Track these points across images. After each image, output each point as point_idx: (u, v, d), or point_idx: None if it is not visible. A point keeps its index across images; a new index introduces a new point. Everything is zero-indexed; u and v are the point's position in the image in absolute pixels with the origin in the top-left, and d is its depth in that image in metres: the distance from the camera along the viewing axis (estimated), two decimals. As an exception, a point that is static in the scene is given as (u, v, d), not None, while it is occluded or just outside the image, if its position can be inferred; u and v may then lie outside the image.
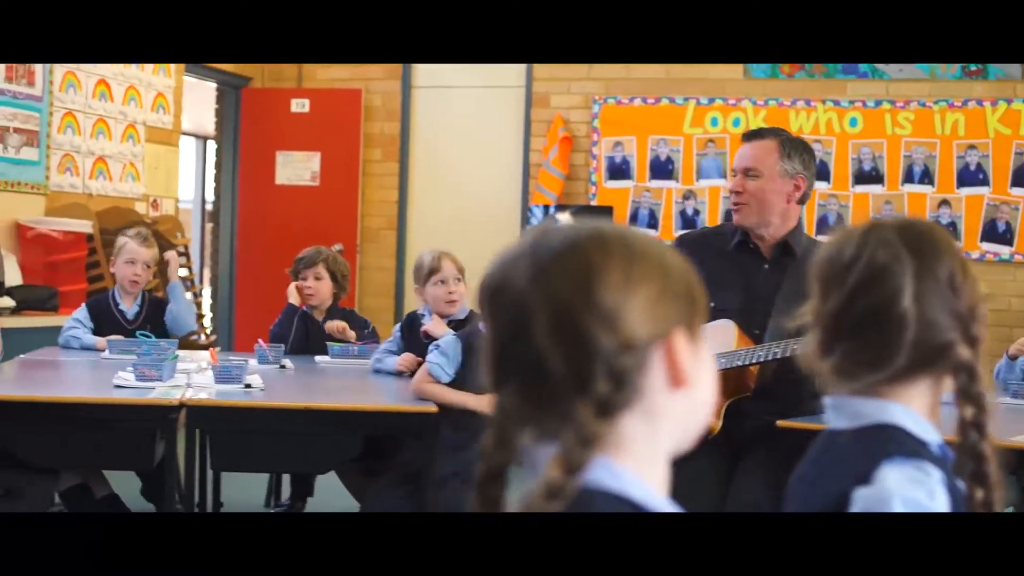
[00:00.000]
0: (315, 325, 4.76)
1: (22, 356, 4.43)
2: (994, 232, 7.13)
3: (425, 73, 8.13)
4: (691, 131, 7.55)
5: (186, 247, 7.18)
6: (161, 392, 3.52)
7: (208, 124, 8.57)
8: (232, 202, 8.36)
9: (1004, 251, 7.11)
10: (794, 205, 3.38)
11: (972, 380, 1.42)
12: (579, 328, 1.00)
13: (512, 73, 7.89)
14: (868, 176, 7.29)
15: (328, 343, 4.59)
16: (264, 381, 3.76)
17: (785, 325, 3.26)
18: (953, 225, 7.08)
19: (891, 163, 7.26)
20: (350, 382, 4.10)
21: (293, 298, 4.79)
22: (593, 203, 7.65)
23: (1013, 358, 3.94)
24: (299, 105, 8.14)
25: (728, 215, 6.77)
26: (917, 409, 1.46)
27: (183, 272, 6.77)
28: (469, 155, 8.04)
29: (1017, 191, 7.08)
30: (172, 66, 7.42)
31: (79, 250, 6.28)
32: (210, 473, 4.35)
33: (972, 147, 7.14)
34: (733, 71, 7.49)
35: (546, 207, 7.59)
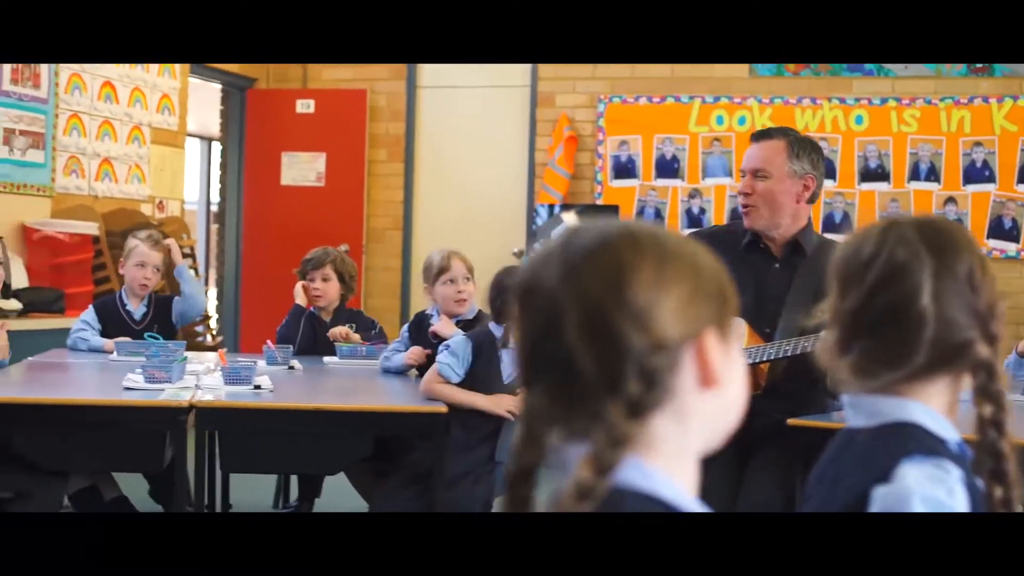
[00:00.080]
0: (322, 326, 4.75)
1: (30, 358, 4.43)
2: (1000, 229, 7.12)
3: (430, 73, 8.13)
4: (697, 130, 7.55)
5: (192, 248, 7.18)
6: (170, 394, 3.51)
7: (213, 125, 8.57)
8: (237, 203, 8.36)
9: (1011, 248, 7.11)
10: (804, 205, 3.38)
11: (991, 378, 1.42)
12: (611, 327, 0.99)
13: (517, 72, 7.89)
14: (874, 174, 7.28)
15: (336, 344, 4.59)
16: (273, 382, 3.76)
17: (795, 324, 3.26)
18: (959, 222, 7.07)
19: (897, 160, 7.26)
20: (359, 383, 4.10)
21: (300, 298, 4.79)
22: (599, 202, 7.64)
23: (1022, 355, 3.93)
24: (304, 106, 8.14)
25: (735, 213, 6.77)
26: (936, 407, 1.46)
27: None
28: (474, 155, 8.04)
29: (1024, 188, 7.09)
30: (177, 68, 7.42)
31: (85, 252, 6.28)
32: (219, 475, 4.35)
33: (978, 144, 7.13)
34: (738, 70, 7.48)
35: (551, 206, 7.59)
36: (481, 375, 3.68)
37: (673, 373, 1.01)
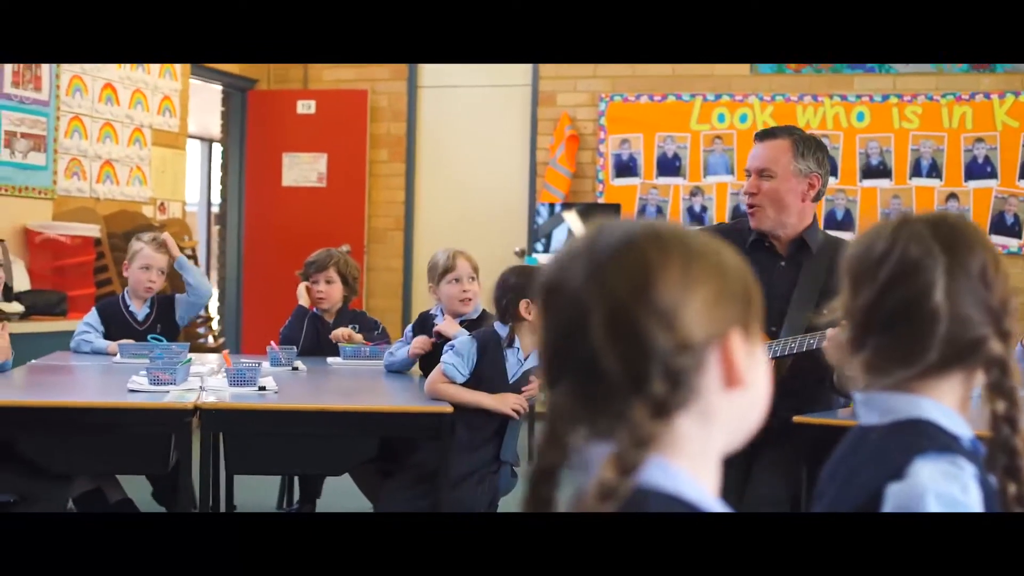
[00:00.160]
0: (325, 327, 4.75)
1: (33, 361, 4.42)
2: (1002, 225, 7.12)
3: (431, 73, 8.12)
4: (698, 128, 7.55)
5: (193, 250, 7.18)
6: (175, 396, 3.50)
7: (214, 127, 8.57)
8: (239, 204, 8.36)
9: (1012, 244, 7.10)
10: (809, 203, 3.37)
11: (1004, 375, 1.41)
12: (636, 327, 0.99)
13: (518, 72, 7.89)
14: (876, 170, 7.28)
15: (340, 345, 4.59)
16: (277, 383, 3.75)
17: (801, 321, 3.25)
18: (962, 219, 7.07)
19: (899, 157, 7.25)
20: (364, 383, 4.09)
21: (303, 299, 4.78)
22: (600, 201, 7.64)
23: (1028, 350, 3.93)
24: (305, 106, 8.14)
25: (737, 211, 6.76)
26: (949, 404, 1.45)
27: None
28: (476, 154, 8.04)
29: (1026, 184, 7.08)
30: (178, 69, 7.41)
31: (87, 254, 6.28)
32: (223, 476, 4.35)
33: (980, 140, 7.12)
34: (739, 67, 7.48)
35: (553, 205, 7.59)
36: (486, 375, 3.67)
37: (698, 373, 1.01)
